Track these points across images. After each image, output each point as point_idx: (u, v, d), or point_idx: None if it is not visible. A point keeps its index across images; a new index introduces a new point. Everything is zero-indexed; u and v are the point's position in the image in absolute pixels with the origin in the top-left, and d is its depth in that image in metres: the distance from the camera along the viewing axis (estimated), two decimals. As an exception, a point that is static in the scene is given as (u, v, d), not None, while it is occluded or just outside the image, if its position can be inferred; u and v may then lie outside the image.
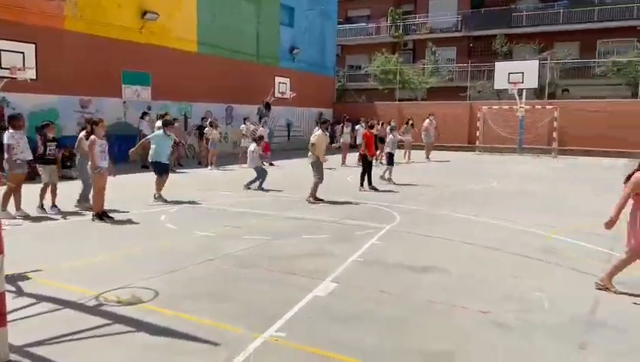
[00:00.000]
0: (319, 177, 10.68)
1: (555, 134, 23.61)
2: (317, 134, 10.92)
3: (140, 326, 4.22)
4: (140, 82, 18.94)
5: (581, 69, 30.35)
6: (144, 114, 17.47)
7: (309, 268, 5.91)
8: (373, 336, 4.11)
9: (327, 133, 11.72)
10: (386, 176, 13.67)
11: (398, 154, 16.93)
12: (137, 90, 18.91)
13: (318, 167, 10.72)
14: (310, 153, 10.78)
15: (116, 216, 8.70)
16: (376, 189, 12.36)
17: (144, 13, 18.88)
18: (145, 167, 16.42)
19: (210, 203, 10.36)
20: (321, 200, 10.59)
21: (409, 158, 20.31)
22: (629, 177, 5.22)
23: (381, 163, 14.57)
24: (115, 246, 6.79)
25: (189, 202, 10.36)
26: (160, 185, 10.54)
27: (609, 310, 4.72)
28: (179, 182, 13.19)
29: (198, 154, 19.34)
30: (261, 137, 13.44)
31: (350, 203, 10.53)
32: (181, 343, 3.95)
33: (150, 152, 10.73)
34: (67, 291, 5.01)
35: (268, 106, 22.53)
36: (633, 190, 5.12)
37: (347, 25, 38.89)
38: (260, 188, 12.30)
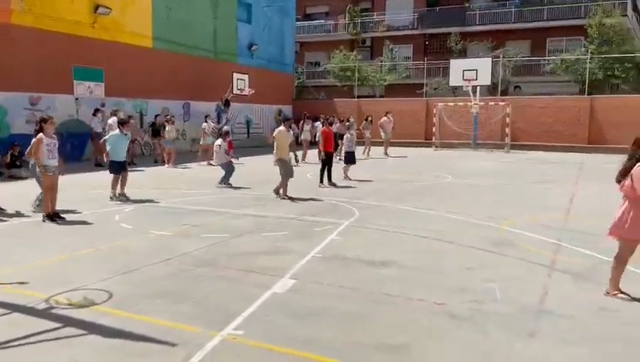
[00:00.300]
0: (284, 175, 10.66)
1: (507, 130, 24.32)
2: (279, 129, 10.90)
3: (92, 328, 4.11)
4: (92, 78, 18.39)
5: (532, 67, 31.38)
6: (96, 111, 16.98)
7: (268, 265, 5.89)
8: (331, 331, 4.14)
9: (291, 132, 11.74)
10: (345, 172, 13.70)
11: (358, 151, 17.11)
12: (90, 86, 18.36)
13: (282, 164, 10.69)
14: (275, 151, 10.76)
15: (68, 217, 8.43)
16: (335, 185, 12.44)
17: (96, 7, 18.32)
18: (99, 165, 16.00)
19: (167, 201, 10.18)
20: (290, 197, 10.58)
21: (368, 154, 20.52)
22: (623, 173, 4.91)
23: (340, 159, 14.68)
24: (67, 248, 6.58)
25: (145, 201, 10.15)
26: (116, 183, 10.29)
27: (557, 299, 4.91)
28: (134, 180, 12.88)
29: (154, 152, 18.96)
30: (227, 133, 13.31)
31: (310, 199, 10.56)
32: (136, 344, 3.88)
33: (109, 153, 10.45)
34: (15, 294, 4.83)
35: (227, 103, 22.28)
36: None
37: (306, 22, 38.89)
38: (227, 184, 12.21)
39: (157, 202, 10.09)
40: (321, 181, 12.51)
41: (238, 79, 22.82)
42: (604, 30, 27.77)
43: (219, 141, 12.58)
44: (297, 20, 34.28)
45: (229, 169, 12.36)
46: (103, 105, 18.18)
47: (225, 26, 25.08)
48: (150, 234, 7.36)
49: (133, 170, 15.06)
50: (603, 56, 27.16)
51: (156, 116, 18.98)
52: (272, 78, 28.30)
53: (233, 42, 25.83)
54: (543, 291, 5.13)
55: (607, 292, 4.97)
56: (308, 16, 39.99)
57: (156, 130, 18.05)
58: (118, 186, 10.26)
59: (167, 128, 16.78)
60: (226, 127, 16.95)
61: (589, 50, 27.08)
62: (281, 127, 11.01)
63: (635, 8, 34.37)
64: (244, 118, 26.88)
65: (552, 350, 3.85)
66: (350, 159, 13.82)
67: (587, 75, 26.19)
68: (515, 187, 12.65)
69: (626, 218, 4.87)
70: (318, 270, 5.77)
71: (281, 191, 10.64)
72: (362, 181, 13.36)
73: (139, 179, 13.20)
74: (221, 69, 23.75)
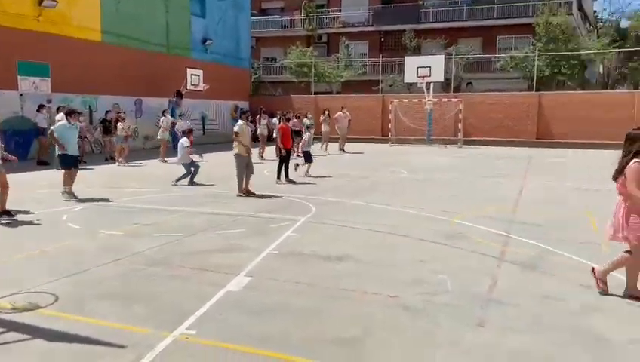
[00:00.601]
0: (239, 172, 10.55)
1: (460, 125, 24.91)
2: (239, 124, 10.78)
3: (36, 332, 3.95)
4: (38, 74, 17.64)
5: (483, 64, 32.22)
6: (40, 107, 16.33)
7: (223, 263, 5.82)
8: (287, 327, 4.13)
9: (249, 126, 11.63)
10: (306, 171, 13.63)
11: (316, 146, 17.14)
12: (35, 82, 17.61)
13: (239, 160, 10.57)
14: (235, 145, 10.61)
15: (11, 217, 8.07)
16: (293, 182, 12.42)
17: (41, -1, 17.59)
18: (42, 163, 15.39)
19: (118, 200, 9.89)
20: (248, 194, 10.47)
21: (326, 150, 20.60)
22: (620, 170, 4.72)
23: (298, 156, 14.64)
24: (10, 250, 6.30)
25: (95, 200, 9.83)
26: (68, 179, 9.90)
27: (505, 288, 5.07)
28: (83, 179, 12.46)
29: (104, 150, 18.41)
30: (191, 130, 13.04)
31: (266, 196, 10.49)
32: (83, 348, 3.75)
33: (57, 146, 10.03)
34: (-47, 301, 4.59)
35: (179, 95, 21.79)
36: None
37: (261, 17, 38.58)
38: (186, 183, 12.00)
39: (107, 201, 9.80)
40: (278, 177, 12.46)
41: (192, 74, 22.44)
42: (551, 28, 28.83)
43: (183, 140, 12.33)
44: (253, 15, 33.96)
45: (193, 168, 12.16)
46: (49, 101, 17.50)
47: (177, 20, 24.56)
48: (99, 234, 7.14)
49: (83, 168, 14.58)
50: (550, 53, 28.19)
51: (107, 112, 18.42)
52: (227, 73, 27.95)
53: (186, 36, 25.33)
54: (492, 281, 5.28)
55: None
56: (263, 11, 39.68)
57: (107, 127, 17.53)
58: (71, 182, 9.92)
59: (119, 125, 16.33)
60: (187, 123, 16.79)
61: (537, 48, 28.04)
62: (240, 121, 10.89)
63: (580, 7, 35.82)
64: (200, 114, 26.43)
65: (499, 338, 3.97)
66: (308, 158, 13.80)
67: (535, 72, 27.12)
68: (467, 181, 12.97)
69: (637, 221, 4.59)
70: (273, 267, 5.75)
71: (241, 192, 10.50)
72: (319, 177, 13.38)
73: (89, 178, 12.79)
74: (174, 64, 23.27)
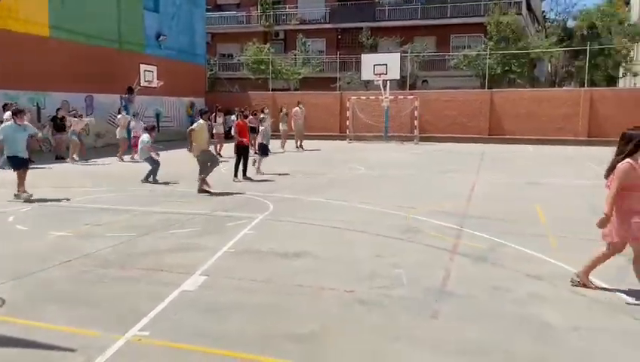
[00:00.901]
0: (202, 170, 10.40)
1: (416, 122, 25.34)
2: (199, 122, 10.62)
3: (-20, 340, 3.80)
4: (-20, 69, 16.85)
5: (437, 62, 32.86)
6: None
7: (177, 263, 5.74)
8: (242, 325, 4.12)
9: (210, 123, 11.49)
10: (257, 167, 13.55)
11: (275, 144, 17.08)
12: (-22, 77, 16.81)
13: (202, 159, 10.42)
14: (193, 144, 10.47)
15: (-47, 220, 7.70)
16: (250, 179, 12.34)
17: (-18, -9, 16.78)
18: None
19: (69, 200, 9.57)
20: (209, 191, 10.34)
21: (283, 147, 20.55)
22: (611, 169, 4.77)
23: (256, 153, 14.55)
24: (-48, 254, 6.01)
25: (44, 200, 9.49)
26: (20, 180, 9.60)
27: (458, 281, 5.21)
28: (33, 178, 12.01)
29: (54, 148, 17.78)
30: (153, 127, 12.73)
31: (224, 194, 10.38)
32: (32, 352, 3.64)
33: (4, 147, 9.67)
34: None
35: (131, 91, 21.22)
36: (621, 182, 4.61)
37: (217, 12, 38.07)
38: (151, 180, 11.77)
39: (58, 201, 9.47)
40: (235, 175, 12.35)
41: (145, 70, 21.88)
42: (502, 28, 29.69)
43: (144, 136, 12.06)
44: (208, 11, 33.47)
45: (154, 165, 11.91)
46: (-6, 98, 16.75)
47: (130, 15, 23.91)
48: (48, 236, 6.90)
49: (34, 168, 14.08)
50: (501, 52, 29.04)
51: (58, 110, 17.76)
52: (182, 69, 27.44)
53: (139, 32, 24.71)
54: (446, 274, 5.42)
55: (579, 281, 4.93)
56: (219, 7, 39.16)
57: (59, 125, 16.94)
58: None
59: (74, 120, 15.96)
60: (140, 124, 16.45)
61: (488, 47, 28.83)
62: (201, 120, 10.73)
63: (529, 7, 37.02)
64: (154, 111, 25.86)
65: (451, 328, 4.09)
66: (264, 151, 13.73)
67: (487, 70, 27.87)
68: (422, 177, 13.22)
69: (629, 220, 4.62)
70: (230, 265, 5.71)
71: (204, 186, 10.38)
72: (277, 174, 13.35)
73: (39, 177, 12.31)
74: (127, 60, 22.66)
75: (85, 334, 3.91)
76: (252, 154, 13.98)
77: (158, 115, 26.14)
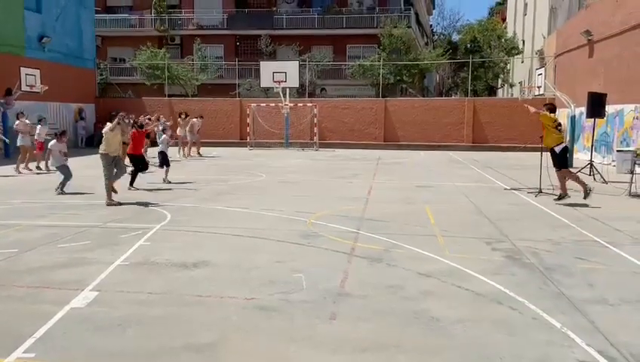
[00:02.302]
0: (108, 175, 9.92)
1: (315, 129, 25.88)
2: (109, 126, 10.08)
3: None
4: None
5: (335, 71, 33.84)
6: None
7: (66, 279, 5.40)
8: (138, 339, 3.98)
9: (124, 126, 10.92)
10: (165, 177, 13.08)
11: (173, 151, 16.53)
12: None
13: (106, 163, 9.91)
14: (101, 146, 9.98)
15: None
16: (136, 188, 11.81)
17: None
18: None
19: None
20: (116, 203, 9.83)
21: (184, 155, 20.06)
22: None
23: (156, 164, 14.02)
24: None
25: None
26: None
27: (355, 282, 5.42)
28: None
29: None
30: (64, 132, 11.77)
31: (117, 204, 9.89)
32: None
33: None
34: None
35: (9, 92, 19.50)
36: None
37: (107, 15, 36.22)
38: (62, 190, 10.99)
39: None
40: (131, 184, 11.83)
41: (26, 74, 20.27)
42: (393, 40, 31.26)
43: (53, 142, 11.19)
44: (97, 13, 31.74)
45: (67, 172, 11.12)
46: None
47: (8, 15, 22.02)
48: None
49: None
50: (393, 62, 30.55)
51: None
52: (69, 73, 25.75)
53: (19, 33, 22.82)
54: (344, 276, 5.61)
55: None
56: (110, 9, 37.31)
57: None
58: None
59: None
60: (46, 129, 15.42)
61: (382, 57, 30.20)
62: (110, 124, 10.20)
63: (418, 21, 39.30)
64: (37, 116, 23.91)
65: (348, 328, 4.25)
66: (165, 161, 13.25)
67: (381, 80, 29.17)
68: (322, 182, 13.53)
69: None
70: (124, 279, 5.47)
71: (108, 199, 9.84)
72: (176, 183, 12.97)
73: None
74: (6, 63, 20.84)
75: (-42, 362, 3.57)
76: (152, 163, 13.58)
77: (40, 121, 24.23)
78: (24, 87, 20.11)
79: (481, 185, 13.20)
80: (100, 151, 10.09)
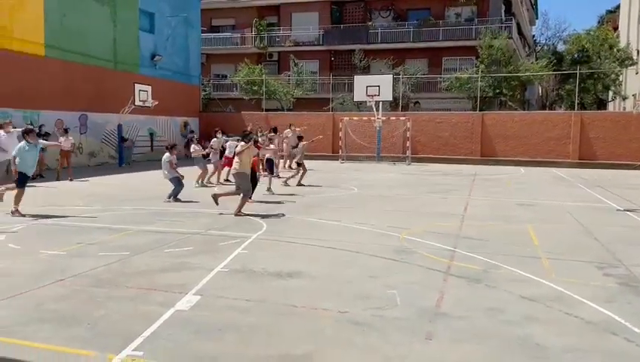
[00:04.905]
0: (246, 190, 10.42)
1: (408, 143, 25.55)
2: (241, 144, 10.63)
3: (-29, 360, 3.75)
4: (-26, 87, 16.85)
5: (429, 84, 33.28)
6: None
7: (171, 282, 5.71)
8: (235, 346, 4.10)
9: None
10: (269, 185, 13.69)
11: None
12: (-29, 95, 16.81)
13: (242, 178, 10.45)
14: (235, 165, 10.51)
15: (-56, 239, 7.63)
16: (253, 201, 12.13)
17: (-21, 10, 16.89)
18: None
19: (61, 219, 9.53)
20: (246, 214, 10.24)
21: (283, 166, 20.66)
22: None
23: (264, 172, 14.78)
24: (-58, 273, 5.95)
25: (36, 218, 9.44)
26: (19, 198, 9.84)
27: (452, 302, 5.22)
28: (25, 196, 11.96)
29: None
30: (174, 146, 12.74)
31: (218, 214, 10.36)
32: (23, 374, 3.59)
33: (17, 163, 9.93)
34: None
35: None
36: None
37: (212, 34, 38.45)
38: (176, 198, 11.82)
39: (49, 219, 9.43)
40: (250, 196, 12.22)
41: (140, 90, 22.00)
42: (493, 51, 30.17)
43: (166, 154, 12.14)
44: (203, 32, 33.80)
45: (178, 185, 11.96)
46: (-13, 116, 16.71)
47: (125, 35, 24.12)
48: (41, 255, 6.85)
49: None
50: (492, 75, 29.47)
51: (40, 127, 17.48)
52: (177, 89, 27.61)
53: (135, 52, 24.90)
54: (440, 295, 5.43)
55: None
56: (214, 29, 39.57)
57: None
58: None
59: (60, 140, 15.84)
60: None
61: (480, 70, 29.25)
62: (242, 143, 10.69)
63: (519, 32, 37.70)
64: (147, 130, 25.91)
65: (446, 350, 4.09)
66: (270, 169, 13.85)
67: (478, 93, 28.24)
68: (415, 198, 13.29)
69: None
70: (223, 285, 5.69)
71: (242, 209, 10.32)
72: (270, 195, 13.36)
73: (31, 195, 12.25)
74: (122, 80, 22.79)
75: (79, 354, 3.88)
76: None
77: (151, 135, 26.19)
78: (137, 102, 21.80)
79: (589, 205, 12.27)
80: (233, 172, 10.64)
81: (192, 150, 15.19)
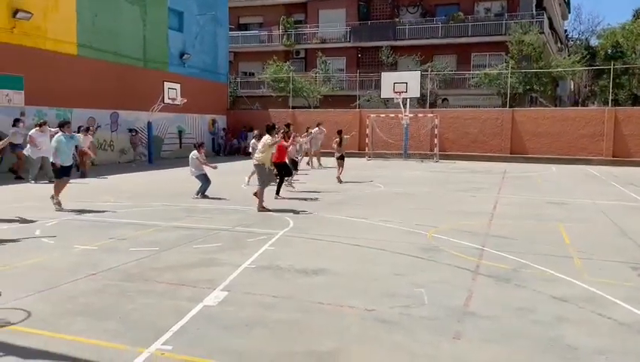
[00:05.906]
0: (264, 183, 10.63)
1: (436, 140, 25.28)
2: (266, 137, 10.80)
3: (8, 350, 3.87)
4: (11, 86, 17.34)
5: (458, 80, 32.82)
6: (16, 121, 16.02)
7: (199, 277, 5.79)
8: (262, 341, 4.13)
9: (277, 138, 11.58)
10: (290, 181, 13.77)
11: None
12: (9, 94, 17.31)
13: (261, 172, 10.63)
14: (257, 156, 10.72)
15: (-18, 233, 7.89)
16: (282, 198, 12.17)
17: (15, 11, 17.36)
18: (19, 178, 15.11)
19: (93, 214, 9.75)
20: (268, 209, 10.37)
21: (314, 165, 20.71)
22: None
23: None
24: (-19, 266, 6.15)
25: (69, 214, 9.68)
26: (59, 188, 10.23)
27: (480, 301, 5.15)
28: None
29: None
30: (202, 144, 12.94)
31: (244, 210, 10.46)
32: (56, 365, 3.69)
33: (52, 154, 10.36)
34: None
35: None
36: None
37: (239, 32, 38.74)
38: (203, 195, 11.99)
39: (81, 215, 9.66)
40: (277, 193, 12.27)
41: (169, 88, 22.31)
42: (523, 47, 29.57)
43: (194, 152, 12.34)
44: (231, 30, 34.08)
45: (206, 181, 12.13)
46: (22, 114, 17.21)
47: (155, 34, 24.49)
48: (74, 249, 7.03)
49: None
50: (522, 70, 28.89)
51: (80, 127, 18.02)
52: (205, 87, 27.92)
53: (164, 50, 25.26)
54: (468, 294, 5.36)
55: None
56: (242, 27, 39.86)
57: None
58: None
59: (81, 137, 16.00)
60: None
61: (510, 65, 28.72)
62: (267, 136, 10.86)
63: (551, 26, 36.84)
64: (176, 128, 26.28)
65: (474, 349, 4.03)
66: (294, 167, 13.89)
67: (508, 89, 27.74)
68: (443, 195, 13.14)
69: None
70: (250, 281, 5.73)
71: (260, 206, 10.46)
72: (298, 191, 13.40)
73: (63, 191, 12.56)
74: (151, 78, 23.14)
75: (109, 347, 3.96)
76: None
77: (180, 132, 26.56)
78: (166, 100, 22.12)
79: (623, 204, 11.94)
80: (255, 163, 10.82)
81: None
